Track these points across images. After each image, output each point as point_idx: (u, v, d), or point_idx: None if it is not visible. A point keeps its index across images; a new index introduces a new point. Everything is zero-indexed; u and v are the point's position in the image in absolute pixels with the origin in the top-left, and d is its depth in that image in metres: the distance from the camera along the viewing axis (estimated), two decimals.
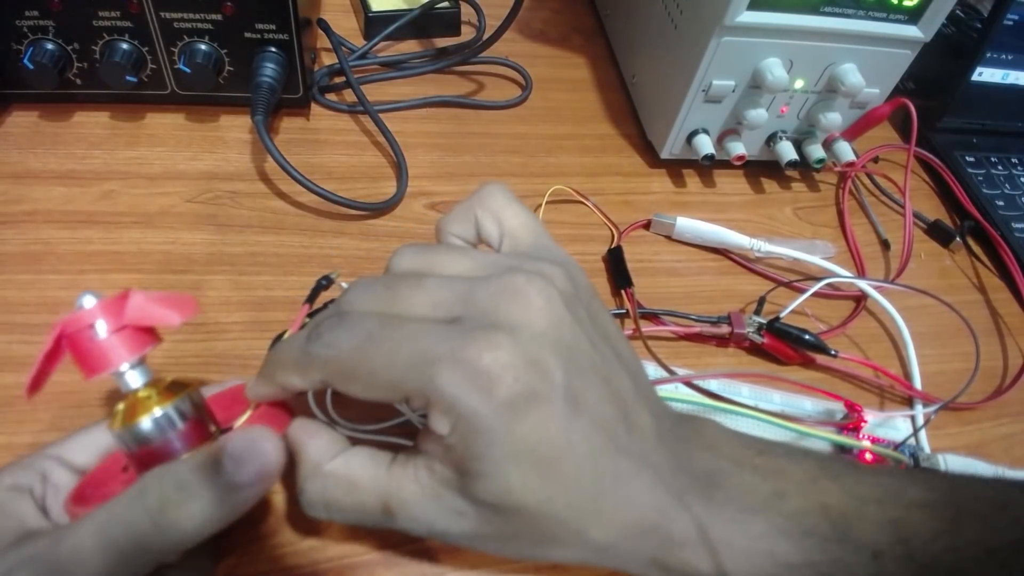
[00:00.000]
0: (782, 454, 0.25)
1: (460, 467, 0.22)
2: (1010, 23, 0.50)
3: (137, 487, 0.21)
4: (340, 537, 0.29)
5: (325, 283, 0.29)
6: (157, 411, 0.22)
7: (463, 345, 0.21)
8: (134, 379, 0.22)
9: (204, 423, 0.23)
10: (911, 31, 0.41)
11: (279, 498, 0.29)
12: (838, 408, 0.35)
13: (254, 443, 0.22)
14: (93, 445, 0.25)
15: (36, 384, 0.22)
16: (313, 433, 0.25)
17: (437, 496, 0.22)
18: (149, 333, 0.23)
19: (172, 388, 0.23)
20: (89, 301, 0.22)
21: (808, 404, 0.36)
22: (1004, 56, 0.52)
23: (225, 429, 0.24)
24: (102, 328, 0.22)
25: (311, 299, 0.28)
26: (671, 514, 0.23)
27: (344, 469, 0.24)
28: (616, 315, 0.38)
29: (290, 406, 0.26)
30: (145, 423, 0.22)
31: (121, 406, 0.22)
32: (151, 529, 0.20)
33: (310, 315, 0.28)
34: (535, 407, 0.21)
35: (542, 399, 0.21)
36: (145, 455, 0.22)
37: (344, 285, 0.31)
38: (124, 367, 0.22)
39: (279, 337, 0.28)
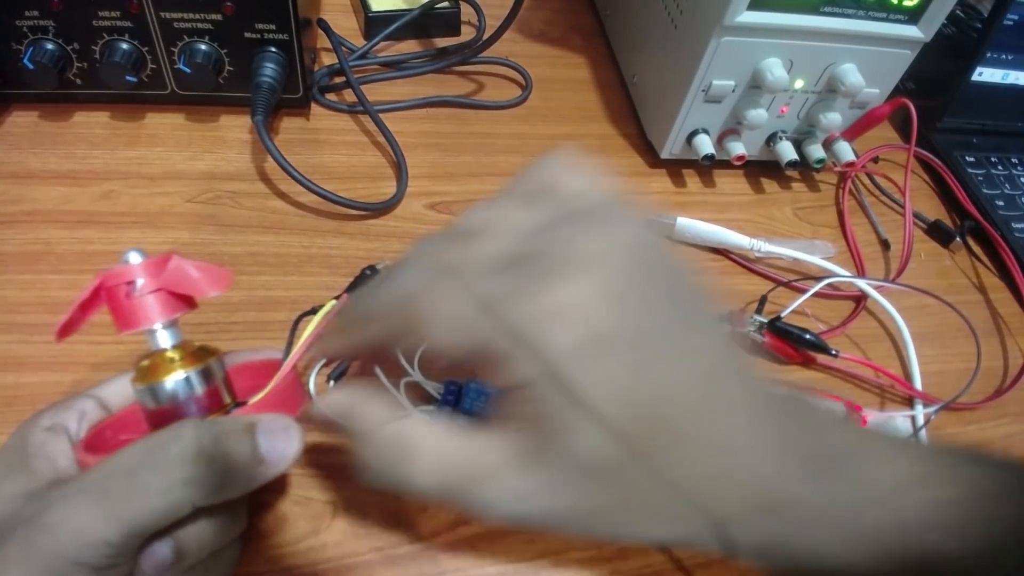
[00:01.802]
0: (891, 444, 0.22)
1: (545, 426, 0.19)
2: (1010, 23, 0.50)
3: (174, 429, 0.21)
4: (340, 537, 0.29)
5: (370, 272, 0.29)
6: (180, 373, 0.23)
7: (534, 285, 0.19)
8: (164, 339, 0.23)
9: (221, 393, 0.24)
10: (911, 31, 0.41)
11: (278, 498, 0.29)
12: (839, 408, 0.35)
13: (287, 426, 0.22)
14: (129, 390, 0.26)
15: (67, 329, 0.23)
16: (367, 395, 0.23)
17: (521, 469, 0.20)
18: (185, 298, 0.23)
19: (197, 354, 0.24)
20: (134, 258, 0.22)
21: None
22: (1004, 56, 0.52)
23: (240, 402, 0.25)
24: (140, 286, 0.22)
25: (353, 289, 0.28)
26: (798, 491, 0.20)
27: (403, 434, 0.22)
28: None
29: (306, 388, 0.26)
30: (167, 384, 0.23)
31: (146, 363, 0.23)
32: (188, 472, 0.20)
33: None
34: (620, 351, 0.18)
35: (628, 342, 0.19)
36: (160, 413, 0.23)
37: None
38: (156, 326, 0.23)
39: (303, 316, 0.28)
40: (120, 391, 0.26)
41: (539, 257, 0.20)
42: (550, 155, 0.24)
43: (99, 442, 0.24)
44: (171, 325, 0.23)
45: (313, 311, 0.28)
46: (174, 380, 0.23)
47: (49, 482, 0.22)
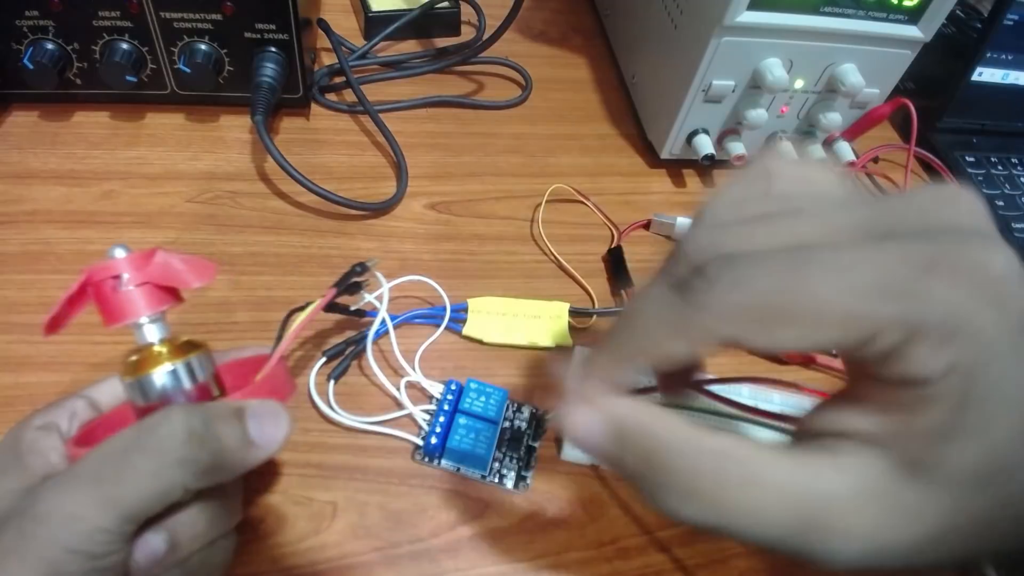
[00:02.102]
0: None
1: (939, 429, 0.16)
2: (1010, 23, 0.50)
3: (163, 412, 0.21)
4: (340, 537, 0.29)
5: (360, 269, 0.29)
6: (167, 366, 0.23)
7: (956, 249, 0.15)
8: (151, 333, 0.23)
9: (209, 386, 0.24)
10: (911, 31, 0.41)
11: (278, 498, 0.29)
12: None
13: (276, 411, 0.23)
14: (119, 390, 0.26)
15: (54, 324, 0.23)
16: (660, 409, 0.18)
17: (880, 494, 0.16)
18: (171, 292, 0.23)
19: (185, 347, 0.24)
20: (119, 253, 0.23)
21: (808, 404, 0.35)
22: (1004, 56, 0.52)
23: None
24: (126, 280, 0.22)
25: (340, 284, 0.28)
26: None
27: (730, 455, 0.17)
28: (614, 314, 0.38)
29: (292, 381, 0.26)
30: (154, 376, 0.23)
31: (134, 358, 0.23)
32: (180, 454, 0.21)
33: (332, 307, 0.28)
34: None
35: None
36: (149, 407, 0.23)
37: (379, 274, 0.32)
38: (143, 320, 0.23)
39: (293, 311, 0.28)
40: (111, 391, 0.26)
41: (922, 232, 0.16)
42: (769, 155, 0.22)
43: (90, 439, 0.24)
44: (158, 319, 0.23)
45: (304, 307, 0.28)
46: (162, 373, 0.23)
47: (42, 477, 0.22)
